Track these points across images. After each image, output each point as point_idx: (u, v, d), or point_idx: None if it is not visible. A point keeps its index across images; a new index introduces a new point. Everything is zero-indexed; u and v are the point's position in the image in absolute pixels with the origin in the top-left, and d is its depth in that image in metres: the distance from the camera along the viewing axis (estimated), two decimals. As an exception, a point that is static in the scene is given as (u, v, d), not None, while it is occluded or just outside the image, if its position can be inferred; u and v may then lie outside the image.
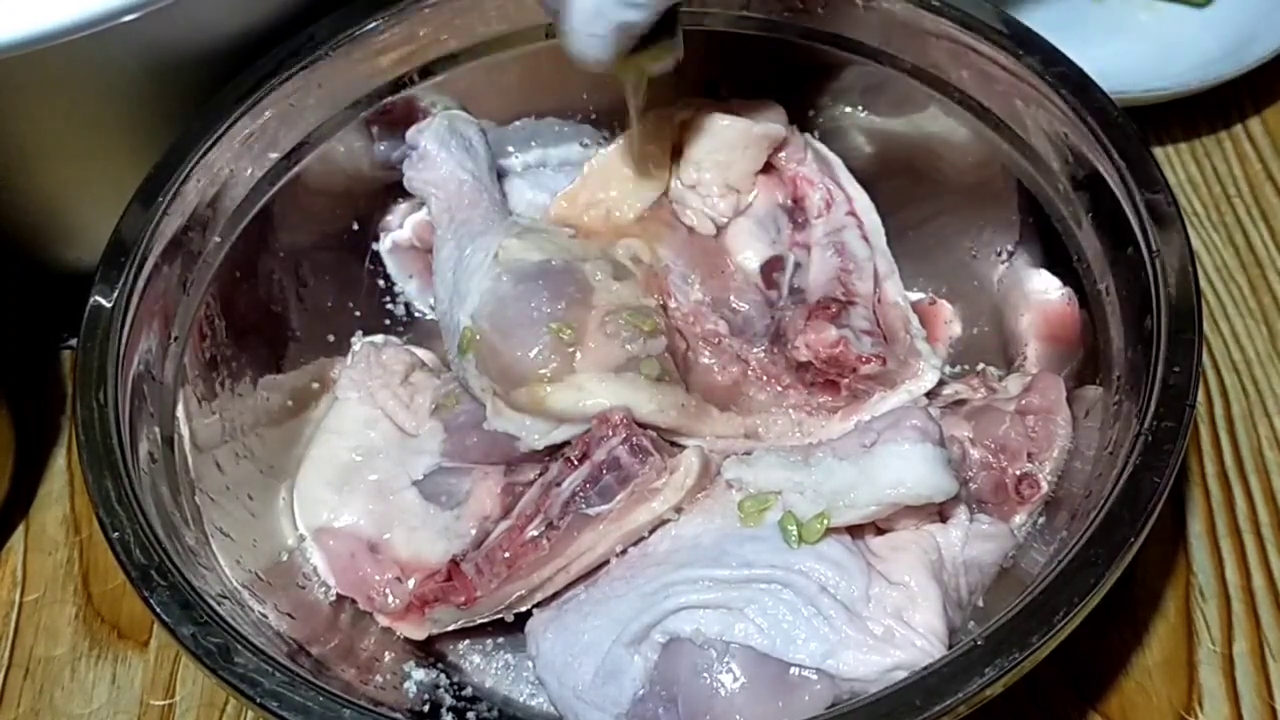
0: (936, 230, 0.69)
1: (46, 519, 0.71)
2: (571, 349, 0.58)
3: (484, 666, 0.61)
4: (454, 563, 0.58)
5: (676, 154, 0.68)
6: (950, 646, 0.50)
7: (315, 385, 0.67)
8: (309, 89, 0.65)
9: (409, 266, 0.72)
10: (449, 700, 0.58)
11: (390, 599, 0.59)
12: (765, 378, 0.62)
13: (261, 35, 0.64)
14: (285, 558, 0.61)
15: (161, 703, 0.64)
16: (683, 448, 0.58)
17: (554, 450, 0.58)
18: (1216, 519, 0.66)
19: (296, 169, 0.66)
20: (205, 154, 0.61)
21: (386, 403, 0.65)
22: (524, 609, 0.58)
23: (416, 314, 0.73)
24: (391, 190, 0.71)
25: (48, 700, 0.64)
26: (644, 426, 0.57)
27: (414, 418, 0.64)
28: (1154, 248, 0.55)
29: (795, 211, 0.67)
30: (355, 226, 0.71)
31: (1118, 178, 0.57)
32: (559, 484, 0.56)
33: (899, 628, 0.50)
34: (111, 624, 0.67)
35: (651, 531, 0.56)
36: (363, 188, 0.70)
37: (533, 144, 0.73)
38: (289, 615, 0.56)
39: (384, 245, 0.72)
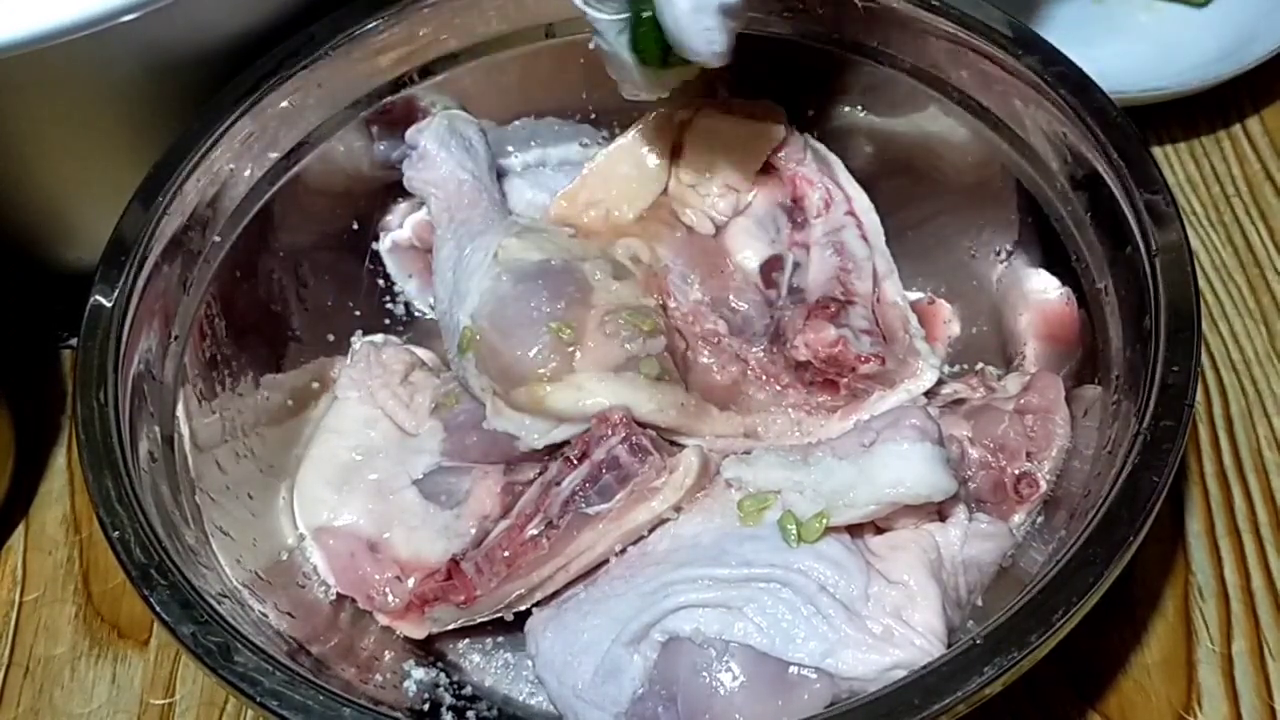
0: (936, 230, 0.69)
1: (46, 518, 0.71)
2: (571, 348, 0.58)
3: (484, 665, 0.61)
4: (454, 562, 0.58)
5: (676, 154, 0.68)
6: (949, 646, 0.50)
7: (315, 385, 0.68)
8: (309, 89, 0.65)
9: (409, 266, 0.72)
10: (449, 699, 0.58)
11: (390, 598, 0.59)
12: (764, 377, 0.62)
13: (261, 35, 0.64)
14: (285, 557, 0.61)
15: (161, 702, 0.64)
16: (682, 447, 0.58)
17: (554, 450, 0.59)
18: (1215, 518, 0.66)
19: (296, 169, 0.66)
20: (205, 154, 0.61)
21: (386, 402, 0.65)
22: (524, 608, 0.58)
23: (416, 314, 0.73)
24: (391, 190, 0.71)
25: (48, 699, 0.64)
26: (644, 426, 0.57)
27: (414, 417, 0.64)
28: (1153, 247, 0.55)
29: (795, 211, 0.67)
30: (355, 226, 0.71)
31: (1117, 178, 0.58)
32: (559, 483, 0.56)
33: (898, 627, 0.50)
34: (111, 623, 0.67)
35: (651, 531, 0.57)
36: (363, 188, 0.70)
37: (533, 144, 0.73)
38: (289, 614, 0.57)
39: (384, 245, 0.72)
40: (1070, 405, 0.60)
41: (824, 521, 0.52)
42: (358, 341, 0.69)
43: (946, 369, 0.67)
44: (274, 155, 0.65)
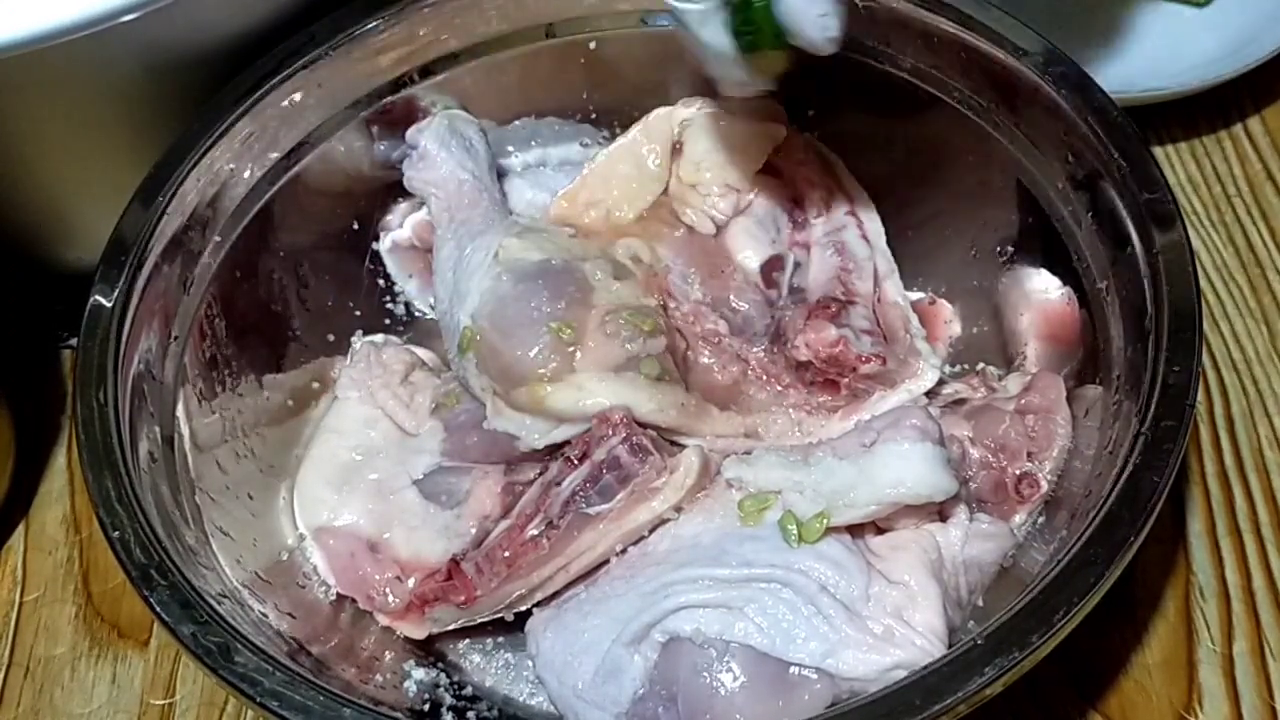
0: (937, 230, 0.69)
1: (46, 518, 0.71)
2: (571, 348, 0.58)
3: (484, 666, 0.61)
4: (454, 562, 0.58)
5: (676, 153, 0.68)
6: (950, 646, 0.50)
7: (315, 385, 0.68)
8: (309, 89, 0.65)
9: (409, 266, 0.72)
10: (449, 699, 0.58)
11: (390, 598, 0.59)
12: (765, 377, 0.62)
13: (261, 35, 0.64)
14: (285, 557, 0.61)
15: (161, 702, 0.64)
16: (683, 447, 0.58)
17: (554, 450, 0.58)
18: (1216, 518, 0.66)
19: (296, 169, 0.66)
20: (205, 154, 0.61)
21: (386, 402, 0.65)
22: (524, 608, 0.58)
23: (416, 313, 0.73)
24: (391, 190, 0.71)
25: (48, 699, 0.64)
26: (644, 426, 0.57)
27: (414, 417, 0.64)
28: (1154, 247, 0.55)
29: (795, 211, 0.67)
30: (355, 226, 0.71)
31: (1118, 178, 0.57)
32: (559, 483, 0.56)
33: (899, 627, 0.50)
34: (111, 623, 0.67)
35: (651, 531, 0.56)
36: (363, 188, 0.70)
37: (533, 144, 0.73)
38: (289, 614, 0.56)
39: (384, 245, 0.72)
40: (1071, 405, 0.60)
41: (824, 522, 0.52)
42: (358, 341, 0.69)
43: (947, 369, 0.67)
44: (274, 155, 0.65)
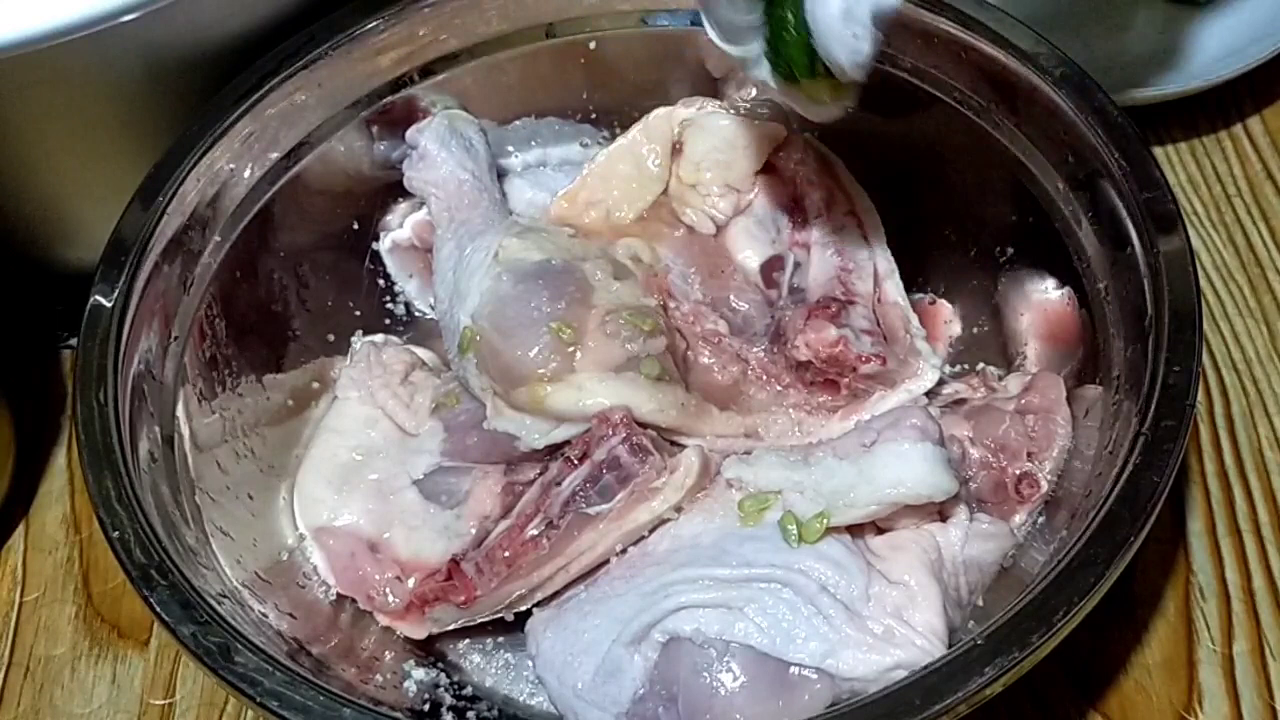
0: (936, 230, 0.69)
1: (46, 518, 0.71)
2: (571, 348, 0.58)
3: (484, 666, 0.61)
4: (454, 562, 0.58)
5: (676, 153, 0.68)
6: (950, 646, 0.50)
7: (315, 385, 0.68)
8: (309, 89, 0.65)
9: (409, 266, 0.72)
10: (449, 699, 0.58)
11: (390, 598, 0.59)
12: (765, 377, 0.62)
13: (261, 35, 0.64)
14: (285, 557, 0.61)
15: (161, 702, 0.64)
16: (683, 447, 0.58)
17: (554, 450, 0.58)
18: (1216, 518, 0.66)
19: (296, 169, 0.66)
20: (205, 154, 0.61)
21: (386, 402, 0.65)
22: (524, 608, 0.58)
23: (416, 313, 0.73)
24: (391, 190, 0.71)
25: (48, 700, 0.64)
26: (644, 426, 0.57)
27: (414, 417, 0.64)
28: (1154, 247, 0.55)
29: (795, 211, 0.67)
30: (355, 226, 0.71)
31: (1118, 178, 0.57)
32: (559, 483, 0.56)
33: (899, 627, 0.50)
34: (111, 624, 0.67)
35: (651, 531, 0.57)
36: (363, 188, 0.70)
37: (533, 144, 0.73)
38: (289, 615, 0.56)
39: (384, 245, 0.72)
40: (1071, 405, 0.60)
41: (825, 522, 0.52)
42: (358, 341, 0.69)
43: (947, 369, 0.67)
44: (274, 155, 0.65)
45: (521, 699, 0.60)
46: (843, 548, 0.52)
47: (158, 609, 0.49)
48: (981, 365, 0.67)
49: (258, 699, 0.47)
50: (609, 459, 0.56)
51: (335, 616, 0.60)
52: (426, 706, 0.58)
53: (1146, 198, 0.56)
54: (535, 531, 0.56)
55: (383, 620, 0.60)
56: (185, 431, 0.58)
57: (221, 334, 0.63)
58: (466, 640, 0.62)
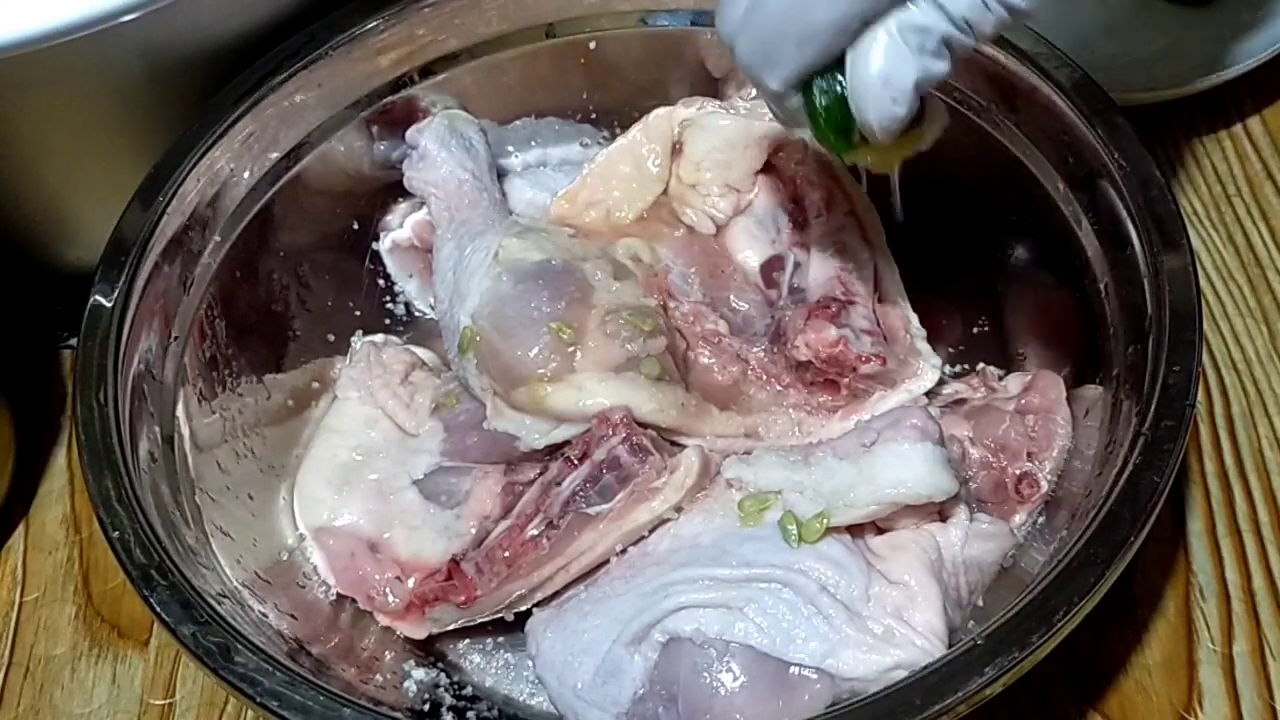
0: (937, 230, 0.69)
1: (46, 518, 0.71)
2: (571, 348, 0.58)
3: (484, 666, 0.61)
4: (454, 562, 0.58)
5: (676, 153, 0.68)
6: (950, 646, 0.50)
7: (315, 385, 0.68)
8: (309, 89, 0.65)
9: (409, 266, 0.72)
10: (449, 699, 0.58)
11: (390, 598, 0.59)
12: (765, 377, 0.62)
13: (261, 35, 0.64)
14: (285, 557, 0.61)
15: (161, 702, 0.64)
16: (683, 447, 0.58)
17: (554, 450, 0.58)
18: (1216, 518, 0.66)
19: (296, 169, 0.66)
20: (205, 154, 0.61)
21: (386, 402, 0.65)
22: (524, 608, 0.58)
23: (416, 313, 0.73)
24: (391, 190, 0.71)
25: (48, 700, 0.64)
26: (644, 426, 0.57)
27: (414, 417, 0.64)
28: (1154, 247, 0.55)
29: (795, 211, 0.67)
30: (355, 226, 0.71)
31: (1118, 178, 0.57)
32: (559, 483, 0.56)
33: (899, 627, 0.50)
34: (111, 624, 0.67)
35: (651, 531, 0.56)
36: (363, 188, 0.70)
37: (533, 144, 0.73)
38: (289, 615, 0.56)
39: (384, 245, 0.72)
40: (1071, 405, 0.60)
41: (825, 522, 0.52)
42: (358, 341, 0.69)
43: (947, 369, 0.67)
44: (274, 155, 0.65)
45: (521, 699, 0.60)
46: (843, 548, 0.52)
47: (158, 609, 0.49)
48: (981, 365, 0.67)
49: (258, 699, 0.47)
50: (609, 459, 0.56)
51: (335, 616, 0.60)
52: (426, 706, 0.58)
53: (1146, 198, 0.56)
54: (535, 531, 0.56)
55: (383, 620, 0.60)
56: (185, 431, 0.58)
57: (221, 334, 0.63)
58: (466, 640, 0.62)
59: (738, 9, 0.47)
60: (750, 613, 0.51)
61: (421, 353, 0.69)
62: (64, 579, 0.68)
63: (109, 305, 0.57)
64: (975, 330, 0.69)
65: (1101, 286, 0.59)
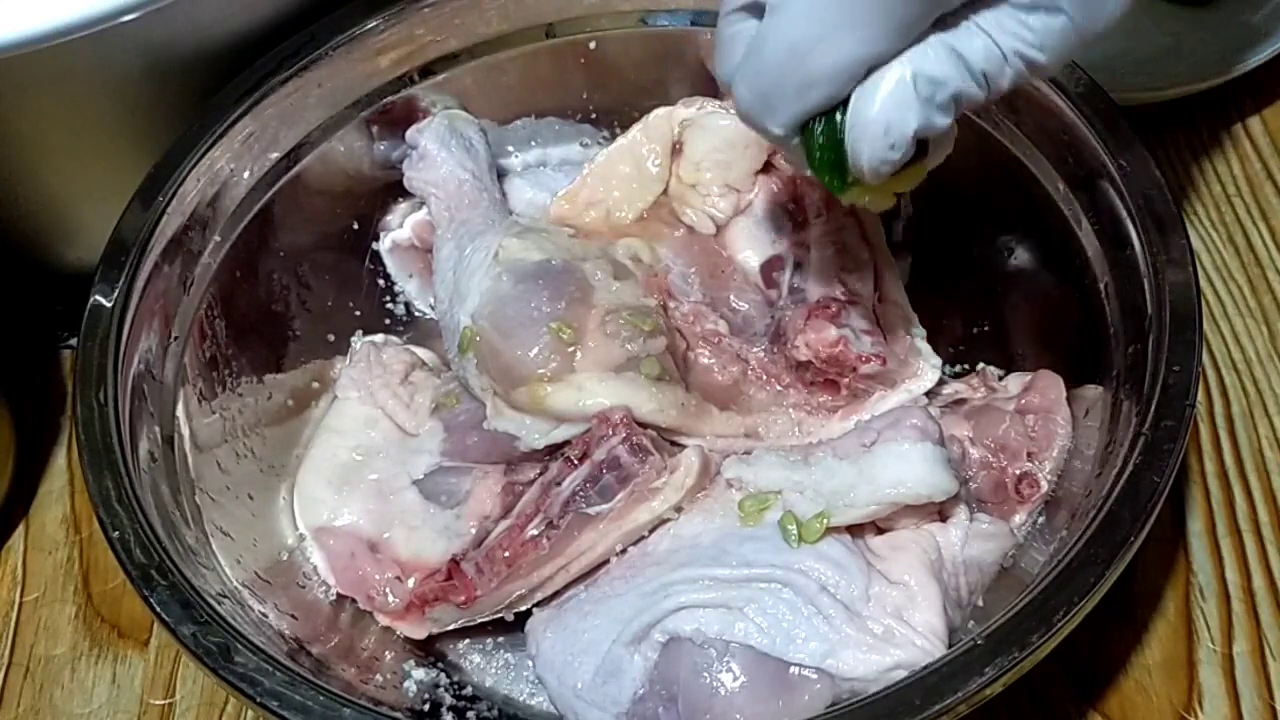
0: (937, 230, 0.69)
1: (46, 519, 0.71)
2: (571, 348, 0.58)
3: (484, 666, 0.61)
4: (454, 562, 0.58)
5: (676, 153, 0.68)
6: (950, 646, 0.50)
7: (315, 385, 0.68)
8: (309, 89, 0.65)
9: (409, 266, 0.72)
10: (449, 699, 0.58)
11: (390, 598, 0.59)
12: (765, 377, 0.62)
13: (261, 35, 0.64)
14: (285, 557, 0.61)
15: (161, 702, 0.64)
16: (683, 447, 0.58)
17: (554, 450, 0.58)
18: (1216, 518, 0.66)
19: (296, 169, 0.66)
20: (205, 154, 0.61)
21: (386, 402, 0.65)
22: (524, 608, 0.58)
23: (416, 313, 0.73)
24: (391, 190, 0.71)
25: (48, 700, 0.64)
26: (644, 426, 0.57)
27: (414, 417, 0.64)
28: (1154, 247, 0.55)
29: (795, 211, 0.67)
30: (355, 226, 0.71)
31: (1118, 178, 0.57)
32: (559, 483, 0.56)
33: (899, 627, 0.50)
34: (111, 624, 0.67)
35: (651, 531, 0.56)
36: (363, 188, 0.70)
37: (533, 144, 0.73)
38: (289, 615, 0.56)
39: (384, 245, 0.72)
40: (1071, 405, 0.60)
41: (825, 522, 0.52)
42: (358, 341, 0.69)
43: (947, 369, 0.67)
44: (274, 155, 0.65)
45: (521, 699, 0.60)
46: (843, 548, 0.52)
47: (158, 609, 0.49)
48: (981, 365, 0.67)
49: (258, 699, 0.47)
50: (609, 459, 0.56)
51: (335, 616, 0.60)
52: (426, 706, 0.58)
53: (1146, 198, 0.56)
54: (535, 531, 0.56)
55: (383, 620, 0.60)
56: (185, 431, 0.58)
57: (221, 334, 0.63)
58: (466, 640, 0.62)
59: (735, 54, 0.46)
60: (750, 613, 0.51)
61: (421, 353, 0.69)
62: (64, 579, 0.68)
63: (109, 305, 0.57)
64: (975, 330, 0.69)
65: (1101, 286, 0.59)
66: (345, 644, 0.59)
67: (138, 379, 0.56)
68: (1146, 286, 0.55)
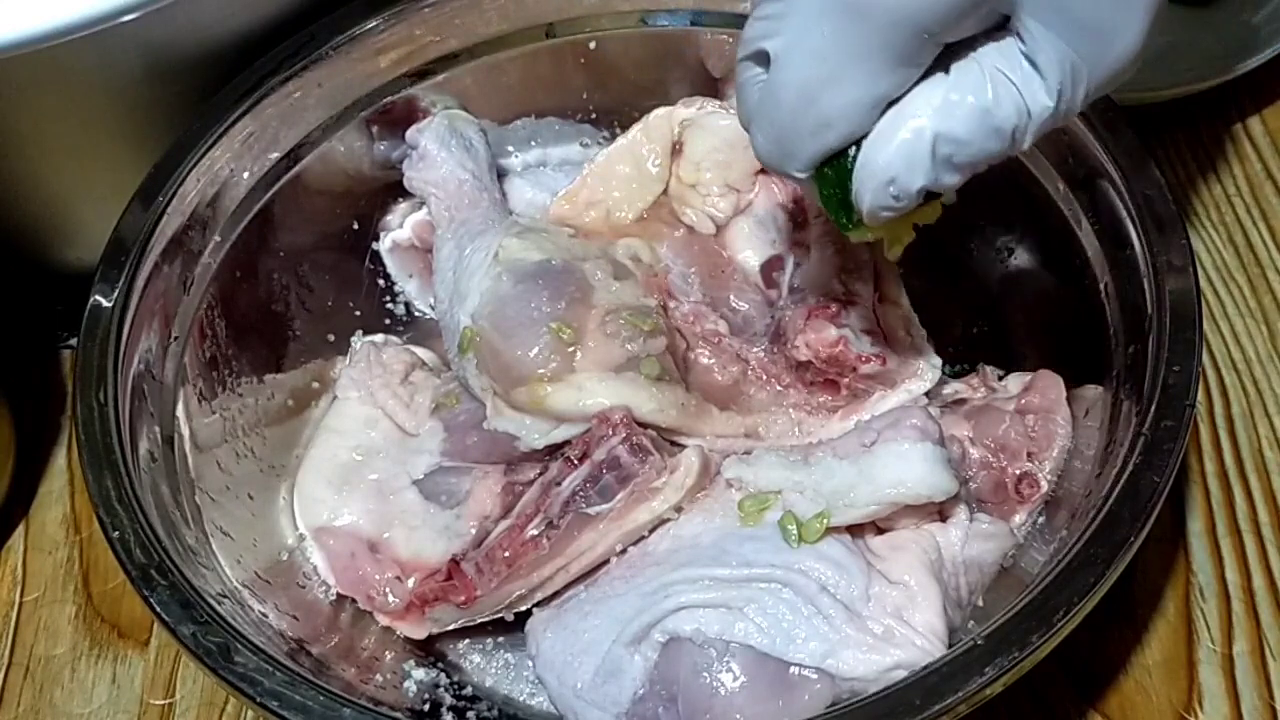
0: (937, 230, 0.69)
1: (46, 519, 0.71)
2: (571, 348, 0.58)
3: (484, 666, 0.61)
4: (454, 562, 0.58)
5: (676, 153, 0.68)
6: (950, 646, 0.50)
7: (315, 385, 0.68)
8: (309, 89, 0.65)
9: (409, 266, 0.72)
10: (449, 699, 0.58)
11: (390, 598, 0.59)
12: (765, 377, 0.62)
13: (261, 35, 0.64)
14: (285, 557, 0.61)
15: (161, 702, 0.64)
16: (683, 447, 0.58)
17: (554, 450, 0.58)
18: (1216, 518, 0.66)
19: (296, 169, 0.66)
20: (205, 154, 0.61)
21: (386, 402, 0.65)
22: (524, 608, 0.58)
23: (416, 313, 0.73)
24: (391, 190, 0.71)
25: (48, 700, 0.64)
26: (644, 426, 0.57)
27: (414, 417, 0.64)
28: (1154, 248, 0.55)
29: (795, 211, 0.67)
30: (355, 226, 0.71)
31: (1118, 178, 0.57)
32: (559, 483, 0.56)
33: (899, 627, 0.50)
34: (111, 624, 0.67)
35: (651, 531, 0.56)
36: (363, 188, 0.70)
37: (533, 144, 0.73)
38: (289, 615, 0.56)
39: (384, 245, 0.72)
40: (1071, 405, 0.60)
41: (825, 522, 0.52)
42: (358, 341, 0.69)
43: (947, 369, 0.67)
44: (274, 155, 0.65)
45: (521, 699, 0.60)
46: (843, 548, 0.52)
47: (158, 609, 0.49)
48: (981, 365, 0.67)
49: (258, 699, 0.47)
50: (609, 459, 0.56)
51: (335, 616, 0.60)
52: (426, 706, 0.58)
53: (1146, 197, 0.56)
54: (535, 531, 0.56)
55: (383, 620, 0.60)
56: (185, 431, 0.58)
57: (221, 334, 0.63)
58: (466, 640, 0.62)
59: (752, 98, 0.46)
60: (750, 613, 0.51)
61: (421, 353, 0.69)
62: (64, 579, 0.68)
63: (109, 305, 0.57)
64: (975, 330, 0.69)
65: (1101, 286, 0.59)
66: (345, 644, 0.59)
67: (138, 379, 0.56)
68: (1146, 286, 0.55)
